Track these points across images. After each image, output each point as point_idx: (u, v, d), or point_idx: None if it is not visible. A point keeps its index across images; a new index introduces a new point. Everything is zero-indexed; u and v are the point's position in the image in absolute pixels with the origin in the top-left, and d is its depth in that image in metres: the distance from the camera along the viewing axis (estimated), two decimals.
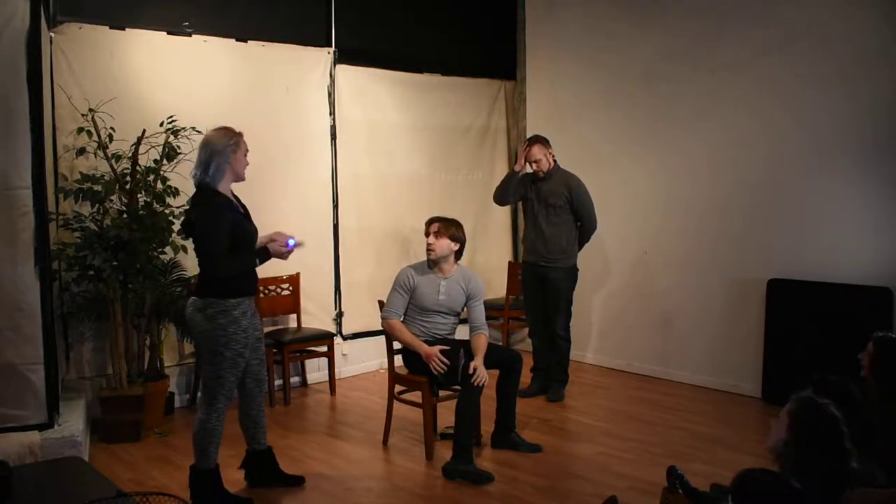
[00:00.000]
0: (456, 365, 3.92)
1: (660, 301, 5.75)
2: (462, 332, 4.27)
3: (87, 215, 4.41)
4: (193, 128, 4.49)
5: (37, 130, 3.65)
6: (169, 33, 4.96)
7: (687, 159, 5.55)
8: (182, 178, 4.54)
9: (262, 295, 5.15)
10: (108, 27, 4.71)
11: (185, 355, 5.10)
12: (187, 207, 3.39)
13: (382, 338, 4.36)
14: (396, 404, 4.31)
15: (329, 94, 5.74)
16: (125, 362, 4.45)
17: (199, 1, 5.11)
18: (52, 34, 4.49)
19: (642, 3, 5.79)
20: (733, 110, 5.27)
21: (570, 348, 5.28)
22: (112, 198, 4.43)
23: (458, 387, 4.03)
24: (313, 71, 5.66)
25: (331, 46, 5.75)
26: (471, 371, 3.87)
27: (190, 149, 4.49)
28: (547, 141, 5.09)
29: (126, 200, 4.46)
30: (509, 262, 6.74)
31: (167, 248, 4.56)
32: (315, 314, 5.68)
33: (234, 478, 3.65)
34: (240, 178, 3.38)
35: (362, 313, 5.84)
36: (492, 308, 5.73)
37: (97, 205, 4.36)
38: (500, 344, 6.07)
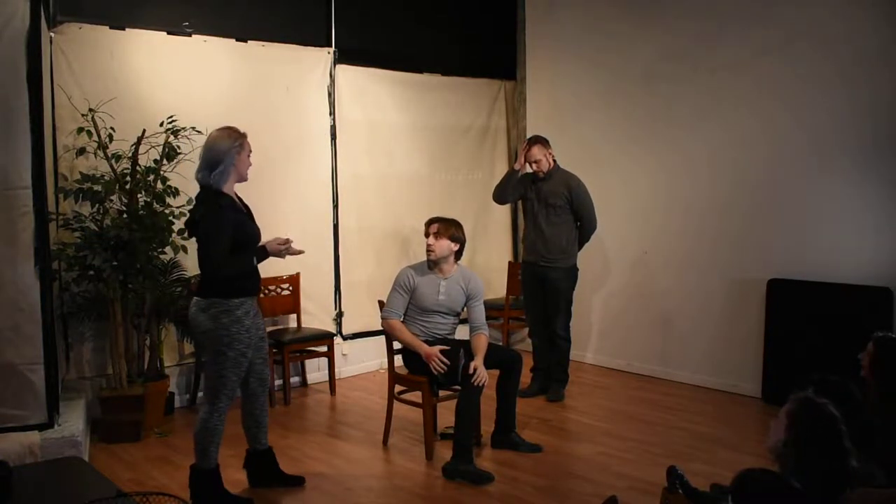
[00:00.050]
0: (456, 365, 3.92)
1: (660, 301, 5.75)
2: (462, 332, 4.27)
3: (87, 215, 4.41)
4: (193, 128, 4.49)
5: (37, 130, 3.64)
6: (169, 33, 4.96)
7: (687, 159, 5.55)
8: (182, 178, 4.55)
9: (262, 295, 5.15)
10: (108, 27, 4.71)
11: (185, 355, 5.10)
12: (192, 206, 3.39)
13: (382, 338, 4.36)
14: (396, 404, 4.31)
15: (329, 94, 5.74)
16: (125, 362, 4.45)
17: (199, 1, 5.11)
18: (52, 34, 4.49)
19: (642, 3, 5.80)
20: (733, 110, 5.27)
21: (570, 348, 5.28)
22: (112, 198, 4.43)
23: (458, 387, 4.03)
24: (313, 71, 5.66)
25: (331, 46, 5.75)
26: (471, 371, 3.87)
27: (190, 149, 4.50)
28: (547, 141, 5.09)
29: (126, 200, 4.46)
30: (509, 262, 6.74)
31: (167, 248, 4.56)
32: (315, 314, 5.68)
33: (234, 478, 3.65)
34: (243, 178, 3.39)
35: (362, 313, 5.84)
36: (492, 308, 5.73)
37: (97, 205, 4.36)
38: (500, 344, 6.07)
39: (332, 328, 5.73)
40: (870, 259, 4.64)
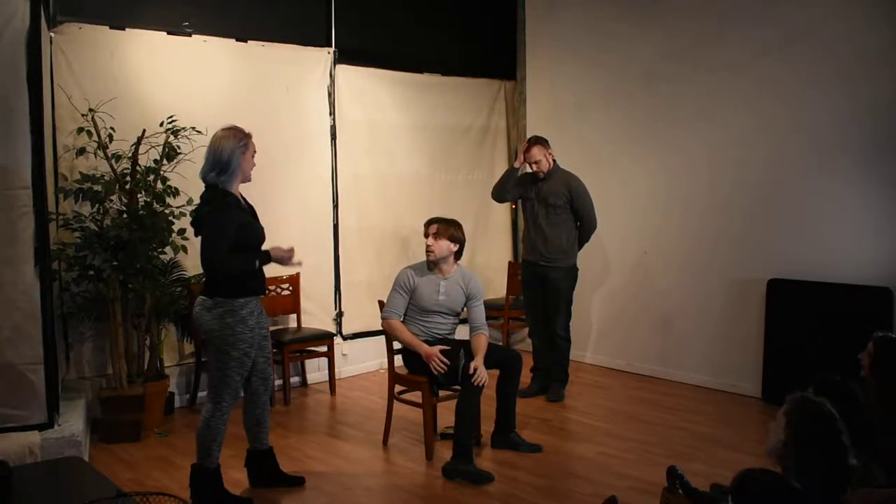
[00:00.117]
0: (456, 365, 3.92)
1: (660, 301, 5.75)
2: (462, 333, 4.27)
3: (87, 215, 4.41)
4: (193, 128, 4.50)
5: (37, 130, 3.64)
6: (169, 33, 4.96)
7: (687, 159, 5.55)
8: (182, 178, 4.55)
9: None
10: (108, 27, 4.71)
11: (185, 355, 5.10)
12: (197, 205, 3.39)
13: (382, 338, 4.36)
14: (396, 404, 4.31)
15: (329, 94, 5.74)
16: (125, 362, 4.45)
17: (199, 1, 5.11)
18: (52, 34, 4.49)
19: (642, 3, 5.80)
20: (733, 110, 5.27)
21: (570, 348, 5.28)
22: (112, 198, 4.43)
23: (458, 387, 4.03)
24: (313, 71, 5.66)
25: (331, 46, 5.75)
26: (471, 371, 3.87)
27: (190, 149, 4.50)
28: (546, 141, 5.09)
29: (126, 200, 4.46)
30: (509, 262, 6.74)
31: (167, 248, 4.57)
32: (315, 314, 5.68)
33: (234, 478, 3.65)
34: (247, 178, 3.40)
35: (362, 313, 5.84)
36: (492, 308, 5.73)
37: (97, 205, 4.36)
38: (500, 344, 6.07)
39: (332, 328, 5.73)
40: (870, 259, 4.64)
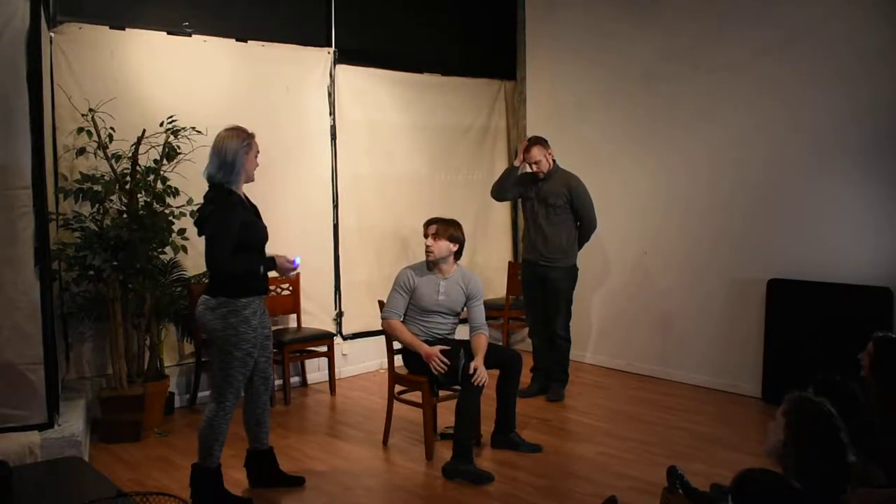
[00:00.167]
0: (456, 365, 3.92)
1: (660, 301, 5.75)
2: (462, 333, 4.27)
3: (87, 215, 4.41)
4: (193, 128, 4.50)
5: (37, 130, 3.64)
6: (169, 33, 4.96)
7: (687, 159, 5.55)
8: (182, 178, 4.55)
9: None
10: (108, 27, 4.71)
11: (185, 355, 5.10)
12: (200, 205, 3.40)
13: (382, 338, 4.36)
14: (396, 404, 4.31)
15: (329, 94, 5.74)
16: (125, 362, 4.45)
17: (199, 1, 5.11)
18: (52, 34, 4.49)
19: (642, 3, 5.80)
20: (733, 110, 5.27)
21: (570, 348, 5.28)
22: (112, 198, 4.43)
23: (458, 387, 4.03)
24: (313, 71, 5.66)
25: (331, 46, 5.75)
26: (471, 371, 3.87)
27: (190, 149, 4.50)
28: (546, 142, 5.09)
29: (126, 200, 4.46)
30: (509, 262, 6.74)
31: (167, 248, 4.57)
32: (315, 314, 5.68)
33: (234, 478, 3.65)
34: (249, 178, 3.41)
35: (362, 313, 5.85)
36: (492, 308, 5.73)
37: (97, 205, 4.36)
38: (500, 344, 6.07)
39: (332, 328, 5.73)
40: (870, 259, 4.64)
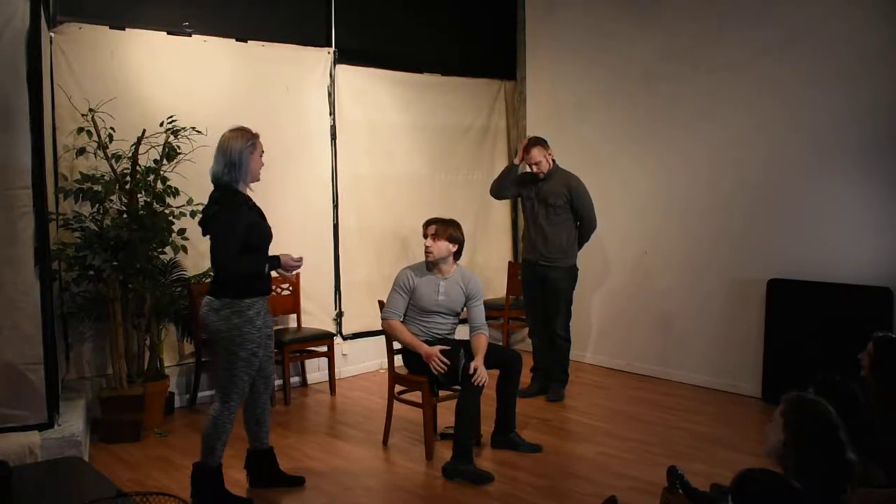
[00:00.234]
0: (456, 365, 3.92)
1: (660, 301, 5.75)
2: (462, 333, 4.27)
3: (87, 215, 4.41)
4: (193, 128, 4.50)
5: (37, 130, 3.64)
6: (169, 33, 4.96)
7: (687, 159, 5.55)
8: (182, 178, 4.55)
9: None
10: (108, 27, 4.71)
11: (185, 355, 5.10)
12: (205, 205, 3.40)
13: (382, 338, 4.36)
14: (396, 404, 4.31)
15: (329, 94, 5.74)
16: (125, 362, 4.45)
17: (199, 1, 5.11)
18: (52, 34, 4.49)
19: (642, 3, 5.80)
20: (733, 110, 5.27)
21: (570, 348, 5.28)
22: (112, 198, 4.43)
23: (458, 387, 4.03)
24: (313, 71, 5.66)
25: (331, 46, 5.75)
26: (471, 371, 3.87)
27: (190, 149, 4.50)
28: (546, 142, 5.09)
29: (126, 200, 4.46)
30: (509, 262, 6.74)
31: (167, 248, 4.56)
32: (315, 314, 5.68)
33: (234, 478, 3.65)
34: (255, 178, 3.42)
35: (362, 313, 5.85)
36: (492, 308, 5.73)
37: (97, 205, 4.36)
38: (500, 344, 6.07)
39: (332, 328, 5.73)
40: (870, 259, 4.64)
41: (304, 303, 5.52)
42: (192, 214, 4.45)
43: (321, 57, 5.69)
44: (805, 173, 4.93)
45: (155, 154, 4.52)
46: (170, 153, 4.51)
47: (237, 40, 5.26)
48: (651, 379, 5.72)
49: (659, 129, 5.72)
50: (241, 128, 3.38)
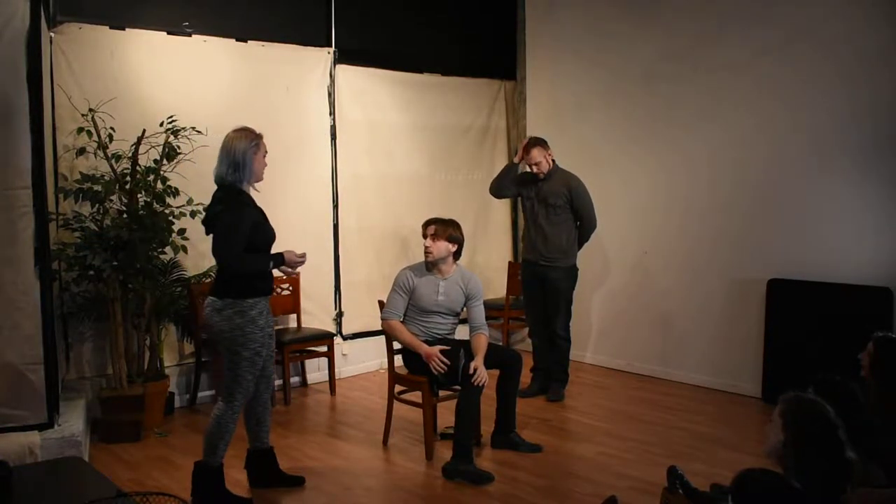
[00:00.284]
0: (456, 365, 3.92)
1: (660, 301, 5.75)
2: (462, 333, 4.27)
3: (87, 215, 4.41)
4: (193, 128, 4.50)
5: (37, 130, 3.64)
6: (169, 33, 4.96)
7: (687, 159, 5.55)
8: (182, 178, 4.55)
9: None
10: (108, 27, 4.71)
11: (185, 355, 5.10)
12: (208, 204, 3.41)
13: (382, 338, 4.36)
14: (396, 404, 4.31)
15: (329, 94, 5.74)
16: (125, 362, 4.45)
17: (199, 1, 5.11)
18: (52, 34, 4.48)
19: (642, 3, 5.80)
20: (733, 110, 5.27)
21: (570, 348, 5.28)
22: (112, 198, 4.43)
23: (458, 387, 4.03)
24: (313, 71, 5.66)
25: (331, 46, 5.75)
26: (471, 371, 3.87)
27: (190, 149, 4.50)
28: (546, 143, 5.09)
29: (126, 200, 4.46)
30: (509, 262, 6.74)
31: (167, 248, 4.56)
32: (315, 314, 5.68)
33: (234, 478, 3.65)
34: (258, 178, 3.43)
35: (362, 313, 5.85)
36: (492, 308, 5.73)
37: (97, 205, 4.36)
38: (500, 344, 6.07)
39: (332, 328, 5.73)
40: (870, 259, 4.64)
41: (304, 303, 5.52)
42: (192, 214, 4.46)
43: (321, 57, 5.69)
44: (805, 173, 4.93)
45: (155, 154, 4.52)
46: (170, 153, 4.50)
47: (237, 40, 5.26)
48: (651, 379, 5.72)
49: (659, 129, 5.72)
50: (245, 128, 3.39)
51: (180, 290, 4.86)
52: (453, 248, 4.13)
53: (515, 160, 5.21)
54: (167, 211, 4.55)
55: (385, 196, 6.11)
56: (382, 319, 4.16)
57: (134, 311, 4.54)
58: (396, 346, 4.21)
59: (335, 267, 5.82)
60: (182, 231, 4.52)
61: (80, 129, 4.36)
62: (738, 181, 5.25)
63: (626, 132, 5.93)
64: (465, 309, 4.23)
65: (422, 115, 6.32)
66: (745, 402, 5.10)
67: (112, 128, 4.45)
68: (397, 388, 4.30)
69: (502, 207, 6.78)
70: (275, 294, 5.30)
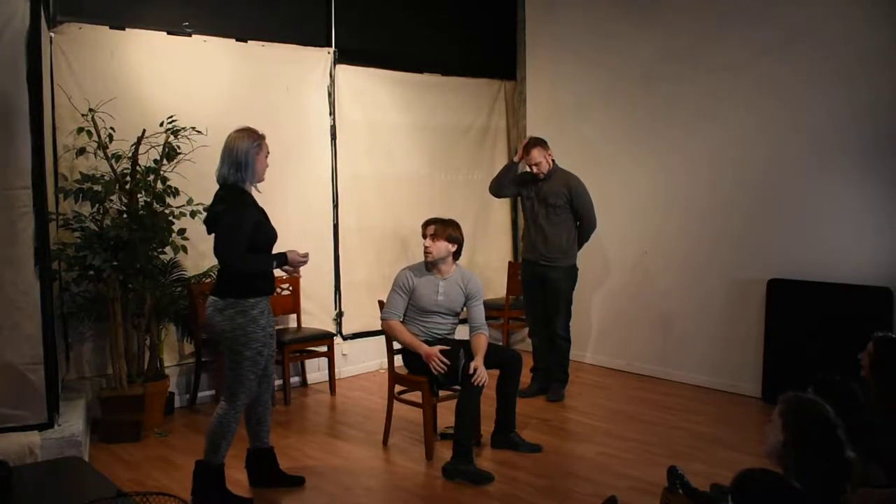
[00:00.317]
0: (456, 365, 3.92)
1: (660, 301, 5.75)
2: (462, 333, 4.27)
3: (87, 215, 4.41)
4: (193, 128, 4.50)
5: (37, 130, 3.64)
6: (169, 33, 4.96)
7: (687, 159, 5.55)
8: (182, 178, 4.55)
9: None
10: (108, 27, 4.71)
11: (185, 355, 5.10)
12: (210, 204, 3.41)
13: (382, 338, 4.36)
14: (396, 404, 4.31)
15: (329, 94, 5.74)
16: (125, 362, 4.45)
17: (199, 1, 5.11)
18: (52, 34, 4.48)
19: (642, 3, 5.80)
20: (733, 110, 5.27)
21: (570, 348, 5.28)
22: (112, 198, 4.43)
23: (458, 387, 4.03)
24: (313, 71, 5.66)
25: (331, 46, 5.75)
26: (471, 371, 3.87)
27: (190, 149, 4.50)
28: (546, 143, 5.09)
29: (126, 200, 4.46)
30: (509, 262, 6.74)
31: (167, 248, 4.56)
32: (315, 314, 5.68)
33: (234, 478, 3.65)
34: (260, 178, 3.44)
35: (362, 313, 5.85)
36: (492, 308, 5.73)
37: (97, 205, 4.36)
38: (500, 344, 6.07)
39: (332, 328, 5.73)
40: (870, 259, 4.64)
41: (304, 303, 5.53)
42: (193, 214, 4.46)
43: (321, 57, 5.69)
44: (805, 173, 4.93)
45: (155, 154, 4.52)
46: (170, 153, 4.50)
47: (237, 40, 5.26)
48: (651, 379, 5.72)
49: (659, 129, 5.72)
50: (248, 128, 3.40)
51: (180, 290, 4.86)
52: (453, 248, 4.13)
53: (515, 160, 5.21)
54: (167, 211, 4.55)
55: (385, 196, 6.11)
56: (382, 319, 4.16)
57: (134, 311, 4.54)
58: (396, 346, 4.21)
59: (335, 267, 5.82)
60: (182, 231, 4.52)
61: (80, 129, 4.36)
62: (738, 181, 5.25)
63: (626, 132, 5.93)
64: (464, 309, 4.23)
65: (422, 115, 6.32)
66: (745, 402, 5.10)
67: (112, 128, 4.45)
68: (397, 388, 4.30)
69: (502, 207, 6.79)
70: (275, 294, 5.31)
